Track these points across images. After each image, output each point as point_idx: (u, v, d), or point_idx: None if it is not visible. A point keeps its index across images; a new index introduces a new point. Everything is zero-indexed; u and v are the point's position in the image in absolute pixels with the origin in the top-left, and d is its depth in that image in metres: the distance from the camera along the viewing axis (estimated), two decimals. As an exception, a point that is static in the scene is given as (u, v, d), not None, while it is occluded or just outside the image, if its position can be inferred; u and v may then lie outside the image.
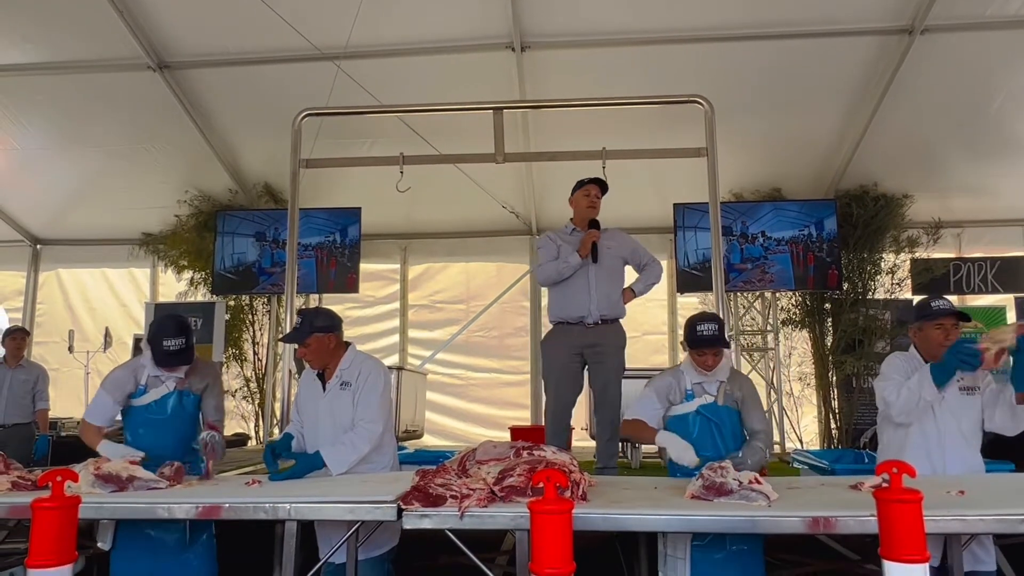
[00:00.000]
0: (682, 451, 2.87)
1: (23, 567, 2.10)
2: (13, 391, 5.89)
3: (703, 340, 3.05)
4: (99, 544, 2.96)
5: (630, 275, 4.32)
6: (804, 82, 6.25)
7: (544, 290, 4.92)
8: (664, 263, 7.99)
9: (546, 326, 4.36)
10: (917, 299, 3.46)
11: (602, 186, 4.16)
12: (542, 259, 4.14)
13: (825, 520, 2.19)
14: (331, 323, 3.14)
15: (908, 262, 7.29)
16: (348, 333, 3.50)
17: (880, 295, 7.25)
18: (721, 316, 4.22)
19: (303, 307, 3.31)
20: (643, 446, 5.80)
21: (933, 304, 3.07)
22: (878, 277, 7.27)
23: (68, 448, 5.22)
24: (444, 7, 5.79)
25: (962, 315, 3.07)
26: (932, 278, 7.23)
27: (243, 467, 4.49)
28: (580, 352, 4.03)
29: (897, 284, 7.26)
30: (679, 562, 2.74)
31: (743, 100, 6.24)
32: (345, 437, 2.99)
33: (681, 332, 7.73)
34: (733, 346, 7.19)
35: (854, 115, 6.55)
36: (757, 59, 6.07)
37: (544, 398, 4.30)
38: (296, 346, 3.26)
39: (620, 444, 6.01)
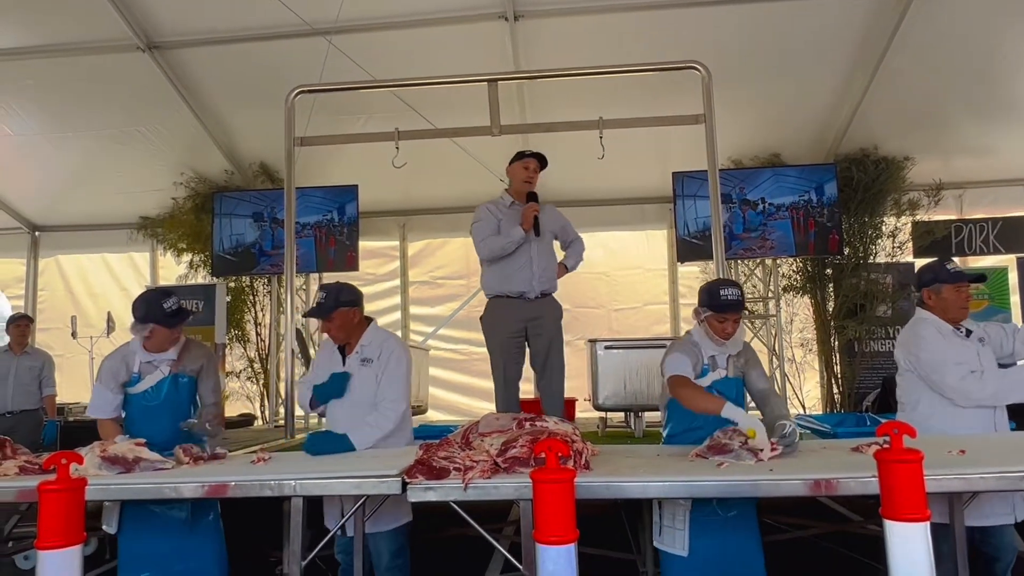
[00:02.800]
0: (758, 427, 2.56)
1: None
2: (19, 378, 5.93)
3: (729, 305, 2.92)
4: (104, 527, 2.98)
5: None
6: (802, 45, 6.15)
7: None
8: (664, 232, 8.05)
9: None
10: (922, 262, 3.45)
11: (542, 161, 4.07)
12: (482, 233, 3.99)
13: (827, 482, 2.20)
14: (355, 297, 3.18)
15: (909, 225, 7.28)
16: (349, 311, 3.49)
17: (881, 259, 7.26)
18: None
19: (327, 282, 3.27)
20: (645, 415, 5.80)
21: (948, 266, 3.04)
22: (879, 241, 7.27)
23: (77, 433, 5.25)
24: (435, -23, 5.69)
25: (980, 276, 3.07)
26: (933, 240, 7.22)
27: (249, 447, 4.52)
28: (524, 326, 4.02)
29: (898, 247, 7.27)
30: (678, 533, 2.73)
31: (741, 65, 6.15)
32: (371, 419, 3.02)
33: (682, 301, 7.86)
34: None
35: (853, 77, 6.46)
36: (754, 22, 5.96)
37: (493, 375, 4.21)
38: (298, 326, 3.26)
39: (623, 413, 6.06)
